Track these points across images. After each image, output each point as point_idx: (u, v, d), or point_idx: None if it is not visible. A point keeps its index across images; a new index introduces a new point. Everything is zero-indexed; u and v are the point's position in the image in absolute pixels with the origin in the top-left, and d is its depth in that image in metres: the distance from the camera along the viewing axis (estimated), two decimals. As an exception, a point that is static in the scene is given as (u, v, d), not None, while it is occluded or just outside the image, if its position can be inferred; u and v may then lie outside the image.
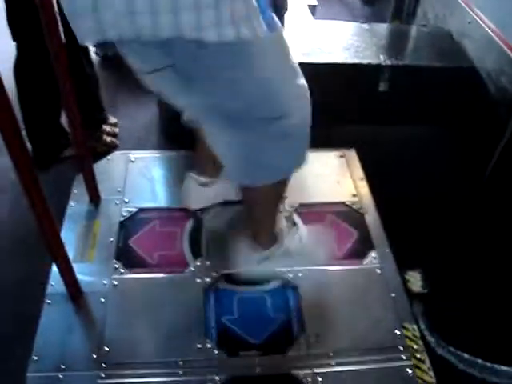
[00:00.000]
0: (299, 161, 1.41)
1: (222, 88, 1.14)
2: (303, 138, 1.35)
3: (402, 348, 1.50)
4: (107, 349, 1.45)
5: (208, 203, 1.84)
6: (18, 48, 2.22)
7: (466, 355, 1.66)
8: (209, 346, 1.48)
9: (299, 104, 1.28)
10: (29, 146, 2.35)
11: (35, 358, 1.41)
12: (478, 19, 2.31)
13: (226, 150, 1.36)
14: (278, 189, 1.47)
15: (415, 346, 1.51)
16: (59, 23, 1.43)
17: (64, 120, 2.53)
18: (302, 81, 1.28)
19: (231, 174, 1.43)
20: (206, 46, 0.99)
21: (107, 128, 2.71)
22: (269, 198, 1.49)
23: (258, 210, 1.55)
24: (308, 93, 1.30)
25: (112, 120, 2.79)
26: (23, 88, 2.30)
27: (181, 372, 1.42)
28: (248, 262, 1.63)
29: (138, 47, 1.10)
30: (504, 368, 1.65)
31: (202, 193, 1.81)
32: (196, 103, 1.25)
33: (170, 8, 0.91)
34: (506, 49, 2.09)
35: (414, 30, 2.72)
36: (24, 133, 2.26)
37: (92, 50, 3.11)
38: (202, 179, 1.78)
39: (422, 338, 1.58)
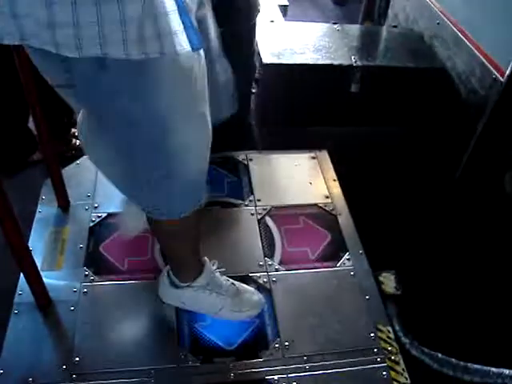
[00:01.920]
0: (185, 207, 1.27)
1: (115, 120, 1.06)
2: (191, 183, 1.23)
3: (376, 350, 1.50)
4: (77, 359, 1.42)
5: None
6: None
7: (439, 355, 1.67)
8: (182, 353, 1.46)
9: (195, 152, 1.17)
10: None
11: (1, 371, 1.37)
12: (447, 20, 2.33)
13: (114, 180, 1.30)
14: (183, 226, 1.33)
15: (390, 348, 1.51)
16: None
17: (31, 123, 2.48)
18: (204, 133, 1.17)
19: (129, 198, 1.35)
20: (107, 68, 0.92)
21: (76, 131, 2.67)
22: (175, 235, 1.36)
23: (174, 252, 1.46)
24: (206, 147, 1.19)
25: (82, 123, 2.74)
26: None
27: (153, 381, 1.39)
28: (164, 292, 1.54)
29: (39, 56, 0.98)
30: (477, 366, 1.66)
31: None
32: (88, 129, 1.17)
33: (68, 20, 0.81)
34: (474, 50, 2.11)
35: (385, 31, 2.73)
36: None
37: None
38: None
39: (397, 339, 1.59)
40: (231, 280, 1.55)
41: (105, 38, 0.84)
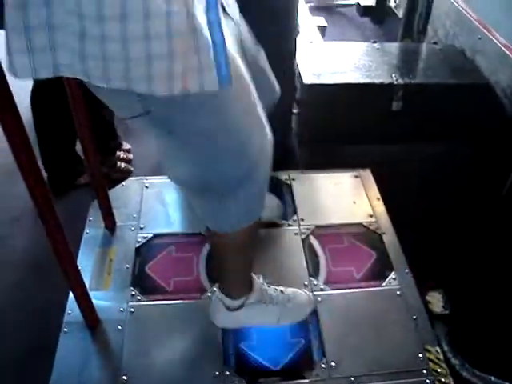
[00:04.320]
0: (253, 214, 1.30)
1: (194, 139, 1.09)
2: (259, 193, 1.26)
3: (425, 372, 1.46)
4: (125, 378, 1.43)
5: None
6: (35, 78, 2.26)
7: (492, 378, 1.61)
8: (227, 373, 1.45)
9: (262, 159, 1.19)
10: (44, 173, 2.37)
11: (52, 388, 1.40)
12: (489, 34, 2.30)
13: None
14: (244, 238, 1.34)
15: (439, 370, 1.47)
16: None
17: (79, 147, 2.56)
18: (266, 134, 1.19)
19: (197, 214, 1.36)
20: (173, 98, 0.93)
21: (121, 154, 2.73)
22: (235, 247, 1.37)
23: (226, 261, 1.44)
24: (270, 147, 1.21)
25: (126, 146, 2.81)
26: (39, 116, 2.34)
27: (200, 400, 1.40)
28: (219, 319, 1.54)
29: (111, 93, 0.97)
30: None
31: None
32: (170, 151, 1.18)
33: (120, 57, 0.84)
34: (519, 64, 2.08)
35: (425, 48, 2.72)
36: (39, 160, 2.28)
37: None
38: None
39: (446, 360, 1.54)
40: (277, 287, 1.57)
41: (129, 73, 0.86)
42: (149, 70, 0.86)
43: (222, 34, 0.90)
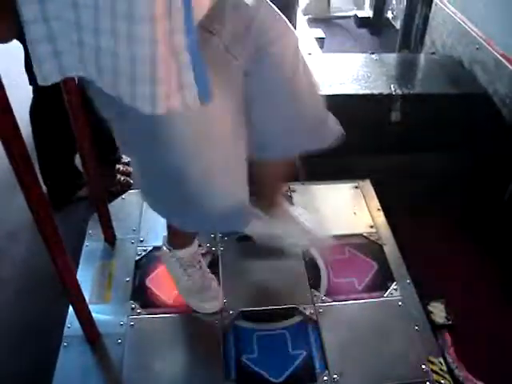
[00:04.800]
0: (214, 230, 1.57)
1: (138, 158, 1.25)
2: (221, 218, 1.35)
3: (428, 383, 1.45)
4: (125, 392, 1.42)
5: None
6: (35, 92, 2.26)
7: (496, 389, 1.60)
8: (229, 386, 1.45)
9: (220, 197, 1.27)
10: (44, 187, 2.37)
11: (52, 402, 1.39)
12: (487, 44, 2.31)
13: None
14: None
15: (443, 381, 1.46)
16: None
17: (78, 161, 2.56)
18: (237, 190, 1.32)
19: None
20: (127, 115, 1.03)
21: (121, 167, 2.73)
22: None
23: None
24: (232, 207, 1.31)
25: (125, 159, 2.81)
26: (39, 131, 2.34)
27: (200, 414, 1.39)
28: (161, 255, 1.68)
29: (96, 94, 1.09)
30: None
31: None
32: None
33: (111, 69, 0.92)
34: (517, 73, 2.08)
35: (423, 59, 2.73)
36: (39, 174, 2.28)
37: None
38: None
39: (450, 371, 1.53)
40: (209, 273, 1.68)
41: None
42: (134, 89, 0.92)
43: (199, 54, 0.94)
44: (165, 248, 1.64)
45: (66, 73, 0.98)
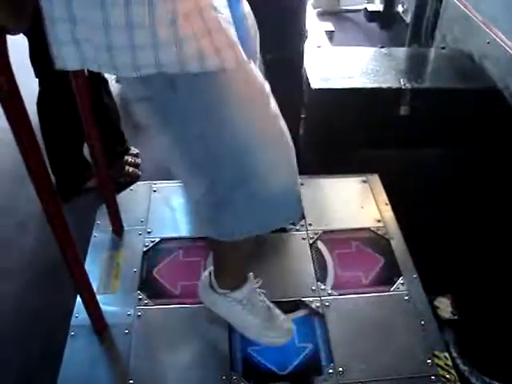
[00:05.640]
0: (265, 226, 1.29)
1: (191, 137, 1.08)
2: (275, 204, 1.18)
3: (434, 377, 1.45)
4: (132, 381, 1.43)
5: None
6: (41, 84, 2.27)
7: (501, 385, 1.60)
8: (234, 377, 1.45)
9: (276, 169, 1.15)
10: (52, 178, 2.38)
11: (59, 392, 1.40)
12: (498, 39, 2.29)
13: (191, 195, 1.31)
14: (244, 244, 1.33)
15: (448, 376, 1.46)
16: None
17: (86, 152, 2.57)
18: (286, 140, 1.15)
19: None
20: (177, 89, 0.97)
21: (129, 158, 2.74)
22: (234, 249, 1.37)
23: (223, 257, 1.43)
24: (292, 154, 1.17)
25: (134, 151, 2.82)
26: (46, 122, 2.35)
27: (207, 405, 1.40)
28: (206, 299, 1.54)
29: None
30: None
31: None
32: (168, 146, 1.15)
33: (150, 43, 0.88)
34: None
35: (433, 53, 2.71)
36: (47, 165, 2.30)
37: (113, 77, 3.17)
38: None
39: (455, 366, 1.53)
40: (268, 303, 1.54)
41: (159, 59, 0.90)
42: (180, 51, 0.90)
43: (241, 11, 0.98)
44: (218, 295, 1.48)
45: (87, 65, 0.95)
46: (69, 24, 0.89)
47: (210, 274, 1.50)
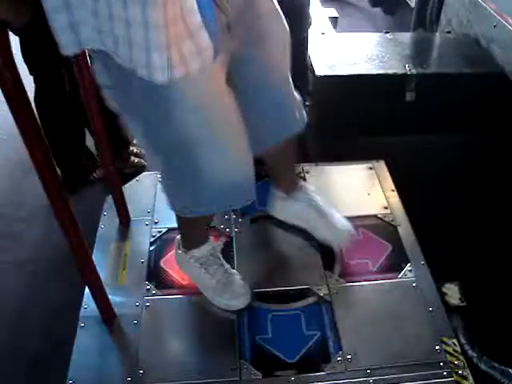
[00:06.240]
0: (212, 209, 1.45)
1: (144, 124, 1.21)
2: (222, 189, 1.33)
3: (442, 364, 1.45)
4: (141, 371, 1.44)
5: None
6: (36, 80, 2.28)
7: (511, 370, 1.60)
8: (244, 366, 1.46)
9: (222, 158, 1.27)
10: (58, 171, 2.39)
11: (70, 382, 1.41)
12: (505, 22, 2.27)
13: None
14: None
15: (456, 362, 1.46)
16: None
17: (90, 144, 2.57)
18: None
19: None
20: (131, 84, 1.07)
21: (134, 149, 2.74)
22: (186, 222, 1.53)
23: (180, 223, 1.59)
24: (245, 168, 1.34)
25: (139, 141, 2.82)
26: (45, 117, 2.35)
27: (216, 394, 1.40)
28: (176, 260, 1.67)
29: (97, 61, 1.13)
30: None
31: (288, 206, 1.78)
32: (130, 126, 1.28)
33: (126, 40, 0.95)
34: (535, 51, 2.04)
35: (438, 38, 2.69)
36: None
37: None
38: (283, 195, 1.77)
39: (463, 352, 1.53)
40: (228, 267, 1.62)
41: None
42: (148, 59, 0.96)
43: (213, 13, 1.01)
44: (180, 251, 1.63)
45: (84, 45, 1.01)
46: (65, 11, 0.95)
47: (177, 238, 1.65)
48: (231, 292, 1.59)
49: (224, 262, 1.64)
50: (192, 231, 1.60)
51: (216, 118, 1.21)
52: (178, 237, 1.65)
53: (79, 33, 0.98)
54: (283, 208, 1.78)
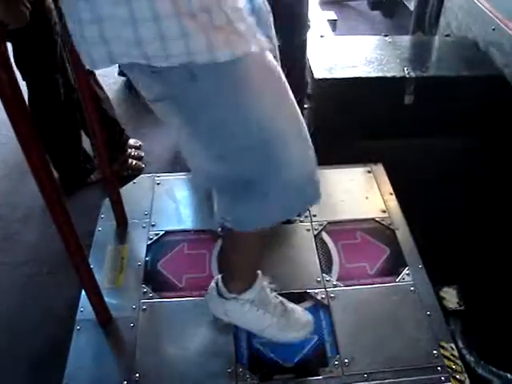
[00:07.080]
0: (289, 212, 1.32)
1: (210, 127, 1.07)
2: (300, 188, 1.19)
3: (440, 368, 1.44)
4: (138, 375, 1.43)
5: None
6: (29, 85, 2.28)
7: (509, 375, 1.59)
8: (240, 370, 1.45)
9: (302, 154, 1.15)
10: (55, 173, 2.38)
11: (66, 385, 1.40)
12: (503, 25, 2.26)
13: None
14: (261, 238, 1.33)
15: (454, 366, 1.46)
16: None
17: (85, 145, 2.57)
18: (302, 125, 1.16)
19: (218, 209, 1.31)
20: (197, 79, 0.96)
21: (132, 151, 2.73)
22: (246, 243, 1.33)
23: (234, 254, 1.41)
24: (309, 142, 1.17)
25: (136, 143, 2.81)
26: (41, 121, 2.34)
27: (213, 398, 1.40)
28: (215, 309, 1.50)
29: (140, 74, 1.03)
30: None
31: None
32: (188, 139, 1.14)
33: (179, 33, 0.89)
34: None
35: (437, 41, 2.68)
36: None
37: (116, 70, 3.16)
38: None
39: (461, 357, 1.52)
40: (281, 298, 1.51)
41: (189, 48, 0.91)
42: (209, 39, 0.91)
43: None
44: (227, 300, 1.43)
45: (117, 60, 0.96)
46: (96, 24, 0.89)
47: (217, 283, 1.46)
48: (297, 322, 1.48)
49: (275, 293, 1.50)
50: (248, 265, 1.40)
51: (293, 104, 1.11)
52: (213, 284, 1.48)
53: (112, 48, 0.92)
54: None
